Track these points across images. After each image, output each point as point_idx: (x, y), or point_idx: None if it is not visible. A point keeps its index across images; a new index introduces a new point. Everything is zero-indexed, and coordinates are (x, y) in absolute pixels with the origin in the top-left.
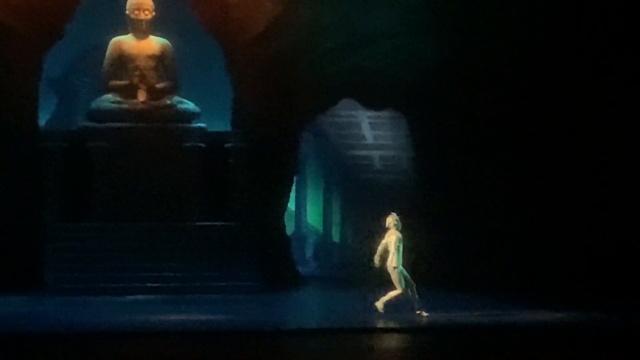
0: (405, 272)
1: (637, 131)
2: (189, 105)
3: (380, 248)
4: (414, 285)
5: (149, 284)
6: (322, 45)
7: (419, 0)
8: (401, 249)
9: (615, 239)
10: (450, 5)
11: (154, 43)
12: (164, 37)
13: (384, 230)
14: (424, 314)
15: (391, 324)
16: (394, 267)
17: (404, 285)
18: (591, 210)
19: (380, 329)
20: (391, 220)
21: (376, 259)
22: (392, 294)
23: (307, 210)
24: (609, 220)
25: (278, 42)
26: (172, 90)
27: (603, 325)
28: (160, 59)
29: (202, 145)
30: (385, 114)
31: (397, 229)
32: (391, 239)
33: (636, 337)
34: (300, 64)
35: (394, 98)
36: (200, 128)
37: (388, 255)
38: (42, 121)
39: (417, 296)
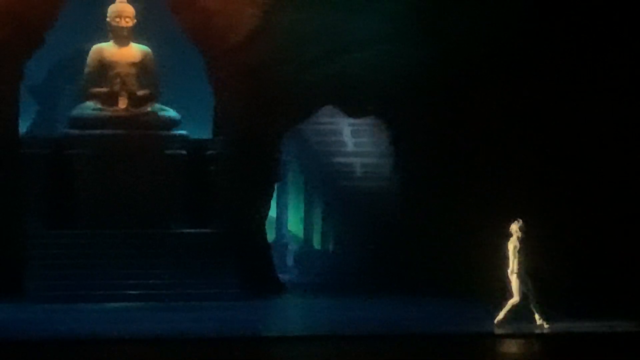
0: (526, 280)
1: (625, 133)
2: (170, 113)
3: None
4: (533, 293)
5: (131, 291)
6: (304, 52)
7: (401, 7)
8: (519, 255)
9: None
10: (433, 12)
11: (135, 50)
12: (145, 45)
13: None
14: (545, 324)
15: (378, 332)
16: (512, 273)
17: (521, 294)
18: (579, 214)
19: (362, 336)
20: (514, 227)
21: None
22: (511, 302)
23: (288, 218)
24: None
25: (259, 49)
26: (153, 98)
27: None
28: (141, 66)
29: (184, 152)
30: (367, 121)
31: (518, 236)
32: (510, 246)
33: None
34: (282, 71)
35: (375, 105)
36: (182, 135)
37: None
38: (22, 128)
39: (536, 305)
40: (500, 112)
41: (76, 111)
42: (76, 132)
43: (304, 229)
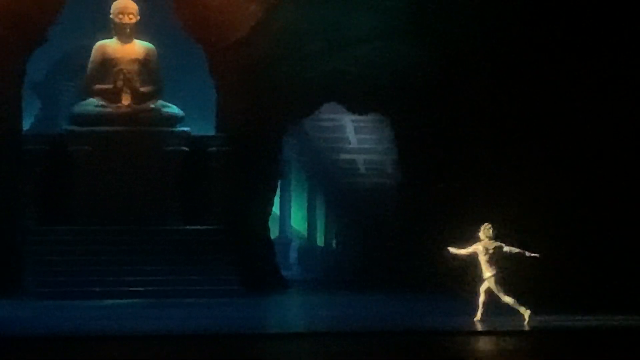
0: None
1: (625, 132)
2: (173, 109)
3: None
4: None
5: (131, 288)
6: (305, 48)
7: (400, 3)
8: (486, 258)
9: None
10: (432, 7)
11: (138, 47)
12: (148, 41)
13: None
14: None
15: (380, 329)
16: (484, 278)
17: (502, 292)
18: (582, 212)
19: (364, 333)
20: (481, 230)
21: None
22: (507, 301)
23: (291, 214)
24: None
25: (261, 45)
26: (156, 94)
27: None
28: (144, 62)
29: (186, 149)
30: (369, 117)
31: (487, 239)
32: (478, 249)
33: None
34: (283, 67)
35: (377, 101)
36: (184, 132)
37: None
38: (25, 125)
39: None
40: (502, 110)
41: (79, 108)
42: (79, 128)
43: (307, 225)
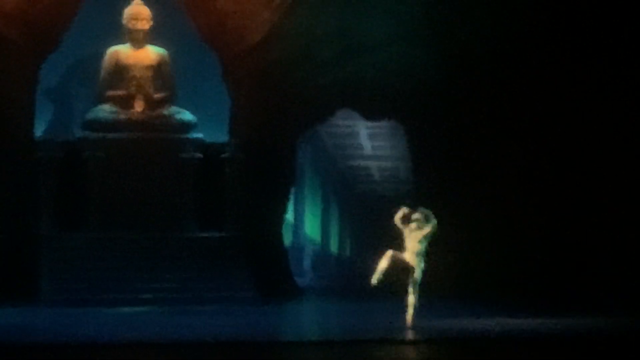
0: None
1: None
2: (187, 116)
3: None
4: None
5: (146, 295)
6: (319, 54)
7: (415, 8)
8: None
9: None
10: (448, 13)
11: (152, 53)
12: (161, 47)
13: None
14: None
15: (389, 336)
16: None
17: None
18: (596, 216)
19: (378, 340)
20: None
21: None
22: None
23: (305, 221)
24: (611, 226)
25: (275, 51)
26: (169, 100)
27: (610, 332)
28: (157, 68)
29: (199, 155)
30: (383, 124)
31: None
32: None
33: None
34: (297, 73)
35: (392, 108)
36: (198, 138)
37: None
38: (38, 131)
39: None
40: (518, 116)
41: (92, 114)
42: (92, 134)
43: (321, 232)
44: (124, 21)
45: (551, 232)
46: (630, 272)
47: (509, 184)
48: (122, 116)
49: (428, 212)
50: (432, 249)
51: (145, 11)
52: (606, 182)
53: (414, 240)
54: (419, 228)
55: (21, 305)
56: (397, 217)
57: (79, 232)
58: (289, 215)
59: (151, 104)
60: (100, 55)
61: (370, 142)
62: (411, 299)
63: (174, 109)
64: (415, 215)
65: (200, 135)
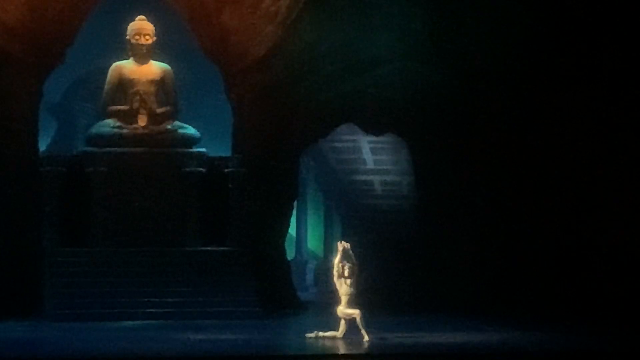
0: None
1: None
2: (190, 130)
3: None
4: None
5: (149, 310)
6: (322, 69)
7: (418, 24)
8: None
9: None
10: (451, 28)
11: (155, 68)
12: (164, 62)
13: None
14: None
15: (394, 351)
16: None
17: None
18: (589, 232)
19: (377, 355)
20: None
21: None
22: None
23: (307, 236)
24: (599, 241)
25: (278, 66)
26: (172, 115)
27: (573, 348)
28: (161, 83)
29: (202, 170)
30: (386, 138)
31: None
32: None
33: None
34: (300, 88)
35: (394, 122)
36: (201, 153)
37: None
38: (42, 146)
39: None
40: (521, 132)
41: (95, 129)
42: (95, 149)
43: (323, 246)
44: (128, 36)
45: (559, 246)
46: (616, 287)
47: (512, 198)
48: (126, 131)
49: (347, 249)
50: (435, 264)
51: (149, 26)
52: (603, 212)
53: (348, 287)
54: (351, 272)
55: (25, 320)
56: (335, 277)
57: (83, 246)
58: (291, 230)
59: (154, 118)
60: (103, 70)
61: (372, 156)
62: (363, 332)
63: (177, 123)
64: (344, 262)
65: (203, 149)
